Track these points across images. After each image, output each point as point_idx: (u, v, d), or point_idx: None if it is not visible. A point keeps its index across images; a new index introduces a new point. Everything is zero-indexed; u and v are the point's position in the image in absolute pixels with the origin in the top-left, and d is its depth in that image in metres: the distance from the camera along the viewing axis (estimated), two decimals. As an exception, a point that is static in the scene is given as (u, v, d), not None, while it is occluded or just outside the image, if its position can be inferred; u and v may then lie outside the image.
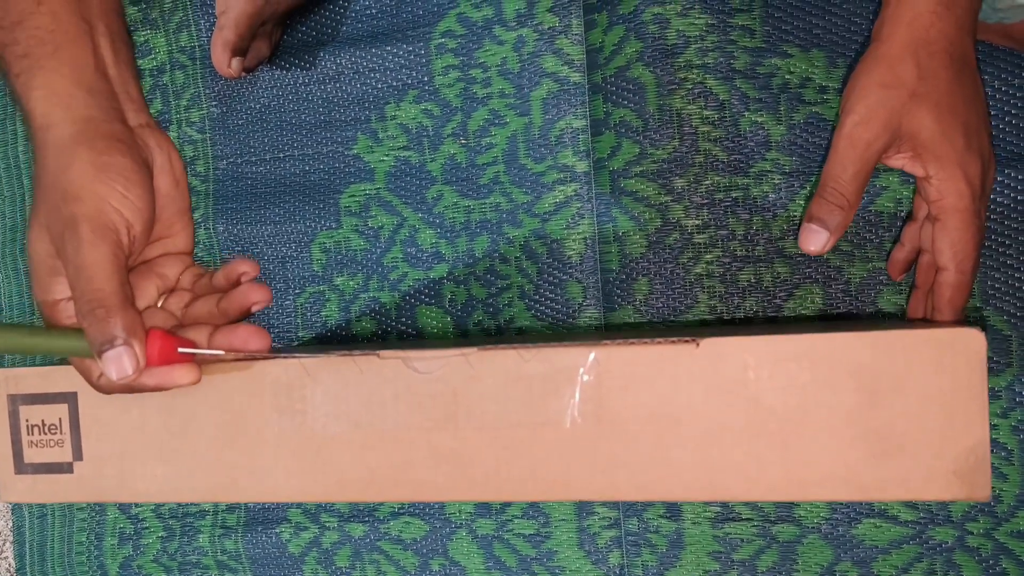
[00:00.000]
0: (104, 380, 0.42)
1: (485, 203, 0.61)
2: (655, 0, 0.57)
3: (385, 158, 0.63)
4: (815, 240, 0.46)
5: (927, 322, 0.49)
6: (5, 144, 0.73)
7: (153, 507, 0.69)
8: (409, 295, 0.63)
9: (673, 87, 0.57)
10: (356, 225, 0.64)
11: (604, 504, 0.59)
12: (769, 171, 0.56)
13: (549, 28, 0.59)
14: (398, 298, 0.63)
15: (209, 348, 0.42)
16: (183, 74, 0.68)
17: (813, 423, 0.39)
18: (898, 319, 0.54)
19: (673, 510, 0.58)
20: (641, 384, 0.40)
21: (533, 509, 0.61)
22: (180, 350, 0.41)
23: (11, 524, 0.74)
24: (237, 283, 0.45)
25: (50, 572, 0.72)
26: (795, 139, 0.56)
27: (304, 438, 0.44)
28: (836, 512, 0.56)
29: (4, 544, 0.75)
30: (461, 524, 0.62)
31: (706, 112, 0.57)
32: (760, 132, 0.56)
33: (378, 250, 0.64)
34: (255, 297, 0.44)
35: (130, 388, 0.41)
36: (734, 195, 0.56)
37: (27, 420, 0.49)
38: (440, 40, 0.62)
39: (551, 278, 0.60)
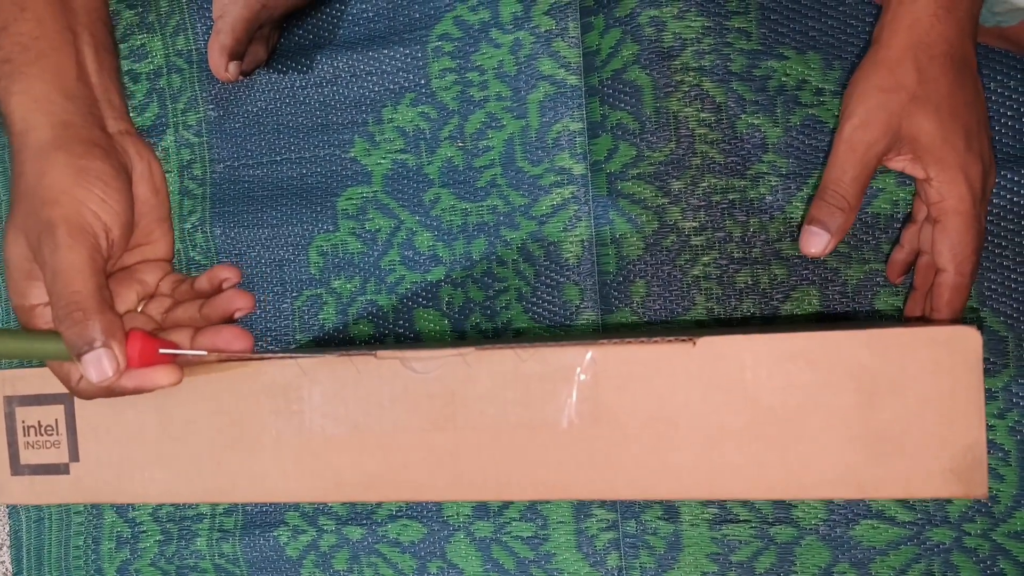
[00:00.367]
0: (84, 384, 0.42)
1: (482, 206, 0.61)
2: (651, 3, 0.57)
3: (382, 161, 0.63)
4: (816, 243, 0.46)
5: (923, 320, 0.49)
6: (2, 147, 0.73)
7: (150, 511, 0.69)
8: (406, 298, 0.63)
9: (670, 90, 0.57)
10: (353, 228, 0.64)
11: (602, 506, 0.59)
12: (766, 173, 0.56)
13: (546, 31, 0.59)
14: (395, 301, 0.63)
15: (191, 350, 0.42)
16: (180, 78, 0.68)
17: (810, 422, 0.39)
18: (895, 320, 0.54)
19: (671, 512, 0.58)
20: (638, 384, 0.40)
21: (531, 511, 0.61)
22: (161, 351, 0.41)
23: (8, 528, 0.74)
24: (219, 289, 0.45)
25: (46, 577, 0.72)
26: (791, 141, 0.56)
27: (301, 439, 0.44)
28: (834, 513, 0.56)
29: (1, 548, 0.75)
30: (459, 527, 0.62)
31: (703, 114, 0.57)
32: (757, 134, 0.56)
33: (375, 253, 0.64)
34: (239, 303, 0.44)
35: (110, 391, 0.41)
36: (731, 197, 0.57)
37: (23, 421, 0.49)
38: (437, 43, 0.62)
39: (548, 280, 0.60)
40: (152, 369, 0.41)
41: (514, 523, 0.61)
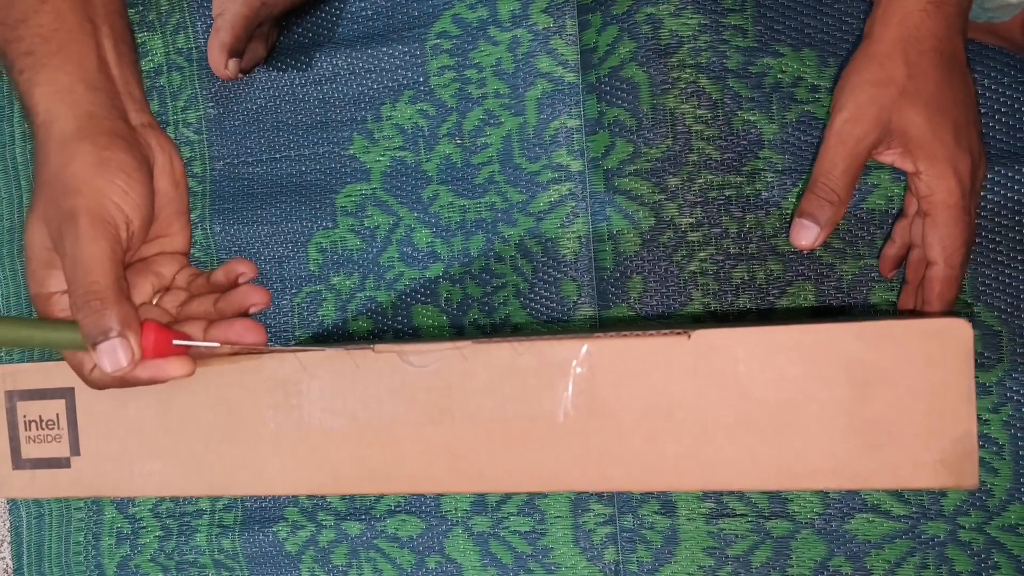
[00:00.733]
0: (97, 374, 0.42)
1: (480, 202, 0.62)
2: (648, 0, 0.57)
3: (381, 158, 0.64)
4: (806, 235, 0.46)
5: (916, 314, 0.49)
6: (3, 145, 0.74)
7: (150, 506, 0.70)
8: (405, 294, 0.63)
9: (666, 87, 0.57)
10: (352, 225, 0.64)
11: (599, 501, 0.60)
12: (762, 169, 0.57)
13: (543, 29, 0.60)
14: (394, 297, 0.64)
15: (205, 342, 0.42)
16: (180, 75, 0.69)
17: (803, 413, 0.39)
18: (889, 314, 0.55)
19: (668, 506, 0.58)
20: (633, 377, 0.41)
21: (529, 506, 0.61)
22: (175, 342, 0.41)
23: (8, 524, 0.74)
24: (235, 284, 0.46)
25: (48, 572, 0.72)
26: (787, 137, 0.56)
27: (300, 432, 0.45)
28: (829, 507, 0.56)
29: (1, 544, 0.75)
30: (457, 521, 0.62)
31: (699, 111, 0.57)
32: (753, 131, 0.57)
33: (374, 250, 0.64)
34: (254, 299, 0.44)
35: (123, 382, 0.41)
36: (727, 193, 0.57)
37: (24, 416, 0.49)
38: (435, 41, 0.62)
39: (546, 276, 0.60)
40: (165, 360, 0.41)
41: (512, 518, 0.61)
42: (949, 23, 0.45)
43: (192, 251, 0.68)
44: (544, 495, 0.61)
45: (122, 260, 0.41)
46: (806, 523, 0.56)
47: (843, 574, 0.56)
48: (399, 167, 0.63)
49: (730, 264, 0.57)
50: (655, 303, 0.58)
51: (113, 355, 0.39)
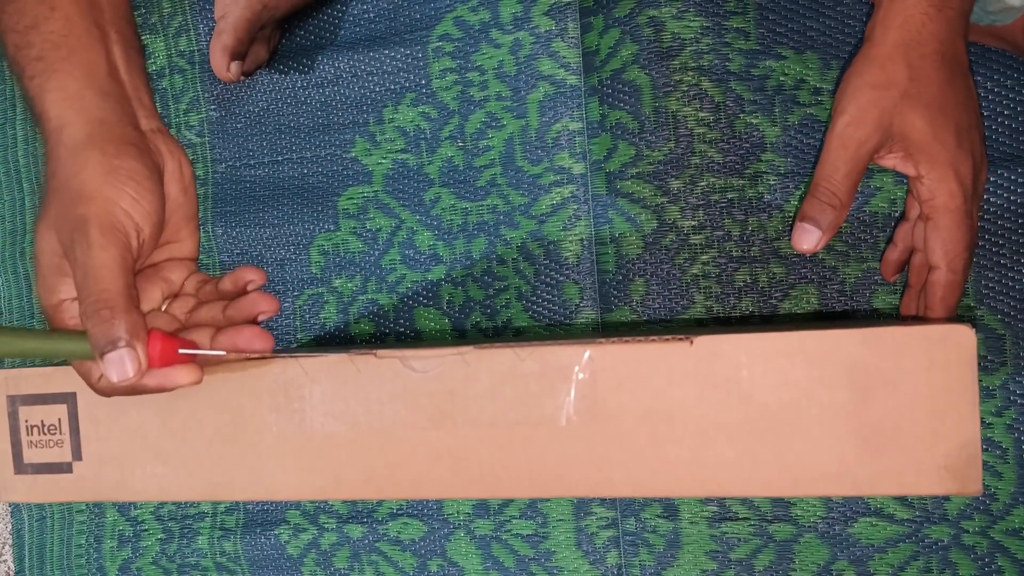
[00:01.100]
0: (104, 382, 0.42)
1: (482, 205, 0.62)
2: (650, 3, 0.57)
3: (383, 161, 0.64)
4: (808, 239, 0.46)
5: (919, 319, 0.49)
6: (5, 148, 0.74)
7: (152, 509, 0.70)
8: (407, 297, 0.63)
9: (669, 89, 0.57)
10: (354, 227, 0.64)
11: (602, 504, 0.59)
12: (764, 172, 0.56)
13: (545, 31, 0.60)
14: (396, 300, 0.64)
15: (212, 349, 0.42)
16: (182, 78, 0.69)
17: (806, 419, 0.39)
18: (892, 319, 0.55)
19: (670, 510, 0.58)
20: (636, 382, 0.41)
21: (531, 510, 0.61)
22: (181, 351, 0.41)
23: (10, 527, 0.74)
24: (243, 291, 0.46)
25: (49, 575, 0.73)
26: (790, 140, 0.56)
27: (302, 437, 0.45)
28: (832, 511, 0.56)
29: (3, 547, 0.75)
30: (459, 525, 0.62)
31: (701, 114, 0.57)
32: (755, 134, 0.56)
33: (376, 252, 0.64)
34: (263, 306, 0.44)
35: (131, 390, 0.41)
36: (730, 196, 0.57)
37: (26, 421, 0.49)
38: (437, 44, 0.62)
39: (548, 279, 0.60)
40: (173, 368, 0.41)
41: (514, 521, 0.61)
42: (951, 26, 0.45)
43: (194, 254, 0.68)
44: (547, 498, 0.60)
45: (132, 268, 0.40)
46: (809, 527, 0.56)
47: (846, 578, 0.56)
48: (401, 170, 0.63)
49: (732, 267, 0.57)
50: (657, 306, 0.58)
51: (120, 365, 0.39)
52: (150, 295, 0.45)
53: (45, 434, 0.49)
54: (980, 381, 0.53)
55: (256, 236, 0.67)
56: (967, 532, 0.54)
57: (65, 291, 0.41)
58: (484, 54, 0.61)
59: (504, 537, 0.62)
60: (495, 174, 0.61)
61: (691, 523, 0.58)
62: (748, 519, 0.57)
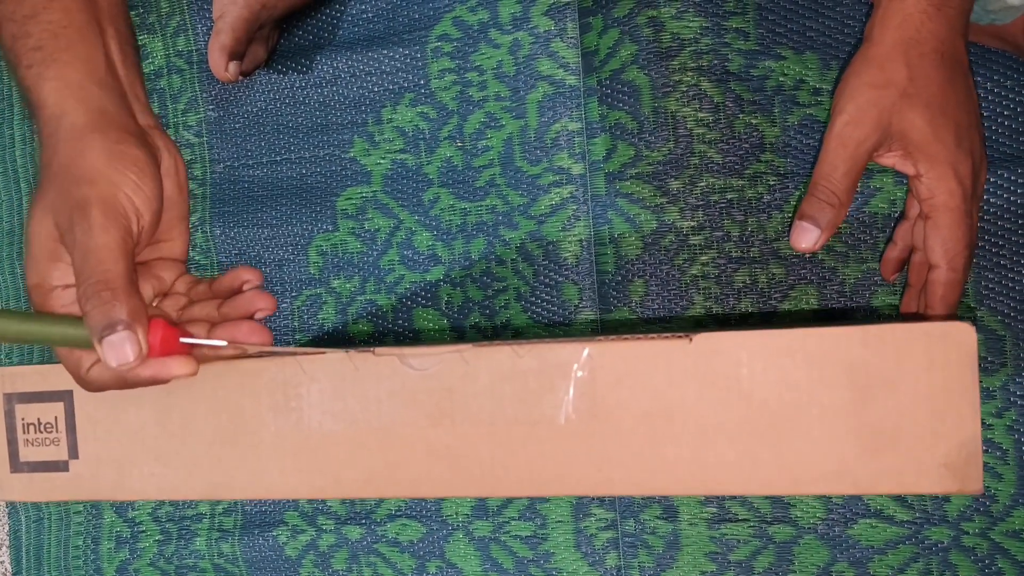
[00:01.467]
0: (95, 373, 0.41)
1: (481, 205, 0.61)
2: (650, 3, 0.57)
3: (381, 161, 0.64)
4: (806, 238, 0.46)
5: (919, 317, 0.49)
6: (2, 149, 0.74)
7: (150, 511, 0.69)
8: (406, 297, 0.63)
9: (668, 90, 0.57)
10: (353, 228, 0.64)
11: (601, 505, 0.59)
12: (764, 173, 0.56)
13: (544, 31, 0.60)
14: (395, 301, 0.63)
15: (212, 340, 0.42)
16: (180, 78, 0.69)
17: (806, 418, 0.39)
18: (892, 319, 0.55)
19: (670, 511, 0.58)
20: (635, 380, 0.40)
21: (530, 511, 0.61)
22: (182, 340, 0.40)
23: (7, 528, 0.74)
24: (239, 291, 0.45)
25: (46, 576, 0.72)
26: (789, 141, 0.56)
27: (300, 436, 0.44)
28: (832, 512, 0.56)
29: (0, 548, 0.75)
30: (458, 526, 0.62)
31: (701, 114, 0.57)
32: (755, 134, 0.56)
33: (375, 253, 0.64)
34: (260, 304, 0.44)
35: (123, 382, 0.41)
36: (729, 197, 0.57)
37: (23, 419, 0.49)
38: (436, 44, 0.62)
39: (547, 280, 0.60)
40: (169, 359, 0.40)
41: (513, 522, 0.61)
42: (950, 25, 0.45)
43: (192, 254, 0.68)
44: (545, 499, 0.60)
45: (133, 253, 0.40)
46: (809, 528, 0.56)
47: (846, 579, 0.56)
48: (400, 170, 0.63)
49: (732, 268, 0.57)
50: (656, 307, 0.58)
51: (120, 349, 0.38)
52: (142, 292, 0.44)
53: (41, 432, 0.49)
54: (980, 382, 0.53)
55: (254, 236, 0.66)
56: (967, 534, 0.54)
57: (57, 277, 0.40)
58: (483, 54, 0.61)
59: (503, 538, 0.61)
60: (494, 174, 0.61)
61: (690, 524, 0.58)
62: (747, 520, 0.57)
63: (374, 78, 0.64)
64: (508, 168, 0.61)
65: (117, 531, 0.70)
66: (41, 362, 0.71)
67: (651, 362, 0.40)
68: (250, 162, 0.67)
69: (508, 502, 0.61)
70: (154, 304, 0.45)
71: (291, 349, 0.45)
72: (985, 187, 0.53)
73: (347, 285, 0.65)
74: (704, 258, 0.57)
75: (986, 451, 0.54)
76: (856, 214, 0.55)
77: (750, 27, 0.57)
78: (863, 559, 0.55)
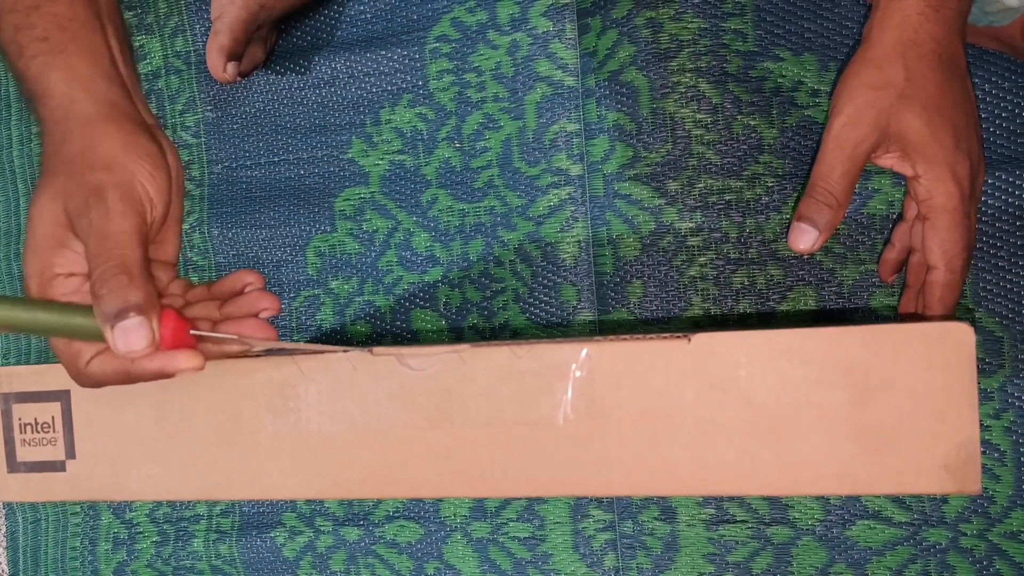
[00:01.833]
0: (94, 366, 0.40)
1: (479, 206, 0.61)
2: (648, 4, 0.57)
3: (380, 162, 0.64)
4: (804, 239, 0.46)
5: (917, 318, 0.49)
6: (0, 149, 0.74)
7: (147, 511, 0.69)
8: (404, 298, 0.63)
9: (666, 91, 0.57)
10: (351, 229, 0.64)
11: (599, 507, 0.59)
12: (762, 174, 0.56)
13: (543, 32, 0.60)
14: (393, 302, 0.63)
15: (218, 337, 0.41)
16: (178, 79, 0.68)
17: (804, 419, 0.39)
18: (890, 320, 0.55)
19: (668, 512, 0.58)
20: (633, 380, 0.40)
21: (528, 512, 0.61)
22: (193, 332, 0.40)
23: (5, 529, 0.74)
24: (240, 293, 0.45)
25: (43, 578, 0.72)
26: (788, 142, 0.56)
27: (298, 437, 0.44)
28: (830, 514, 0.56)
29: (-3, 550, 0.75)
30: (456, 527, 0.62)
31: (699, 115, 0.57)
32: (753, 135, 0.56)
33: (373, 254, 0.64)
34: (264, 303, 0.43)
35: (126, 375, 0.40)
36: (727, 198, 0.57)
37: (20, 418, 0.49)
38: (434, 44, 0.62)
39: (545, 281, 0.60)
40: (176, 352, 0.39)
41: (511, 524, 0.61)
42: (948, 26, 0.45)
43: (190, 255, 0.68)
44: (543, 501, 0.60)
45: (146, 245, 0.40)
46: (807, 529, 0.56)
47: (844, 581, 0.56)
48: (398, 171, 0.63)
49: (730, 269, 0.57)
50: (655, 308, 0.58)
51: (133, 335, 0.37)
52: None
53: (38, 432, 0.49)
54: (978, 383, 0.53)
55: (252, 237, 0.66)
56: (965, 535, 0.54)
57: (61, 264, 0.40)
58: (481, 55, 0.61)
59: (501, 540, 0.61)
60: (492, 175, 0.61)
61: (688, 526, 0.58)
62: (746, 522, 0.57)
63: (372, 79, 0.64)
64: (506, 169, 0.61)
65: (114, 532, 0.70)
66: (38, 362, 0.71)
67: (650, 363, 0.40)
68: (248, 163, 0.67)
69: (506, 503, 0.61)
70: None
71: (296, 345, 0.45)
72: (983, 188, 0.53)
73: (345, 286, 0.65)
74: (702, 259, 0.57)
75: (984, 452, 0.54)
76: (854, 215, 0.55)
77: (748, 28, 0.57)
78: (861, 560, 0.55)
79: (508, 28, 0.60)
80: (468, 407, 0.42)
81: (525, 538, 0.61)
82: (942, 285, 0.45)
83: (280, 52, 0.67)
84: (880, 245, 0.55)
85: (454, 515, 0.62)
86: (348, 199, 0.64)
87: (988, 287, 0.54)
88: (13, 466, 0.49)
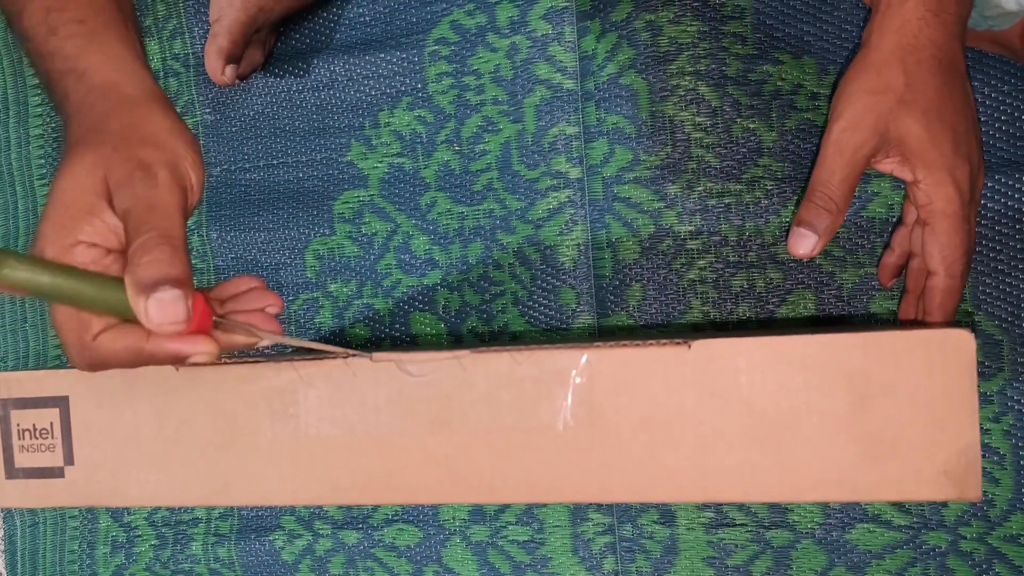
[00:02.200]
0: (104, 340, 0.38)
1: (479, 209, 0.61)
2: (647, 7, 0.57)
3: (379, 165, 0.64)
4: (804, 244, 0.46)
5: (917, 324, 0.49)
6: (-1, 151, 0.73)
7: (146, 515, 0.69)
8: (403, 302, 0.63)
9: (666, 94, 0.57)
10: (350, 232, 0.64)
11: (598, 510, 0.59)
12: (761, 177, 0.56)
13: (542, 35, 0.60)
14: (392, 305, 0.63)
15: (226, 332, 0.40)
16: (177, 81, 0.68)
17: (805, 425, 0.39)
18: (890, 324, 0.55)
19: (667, 516, 0.58)
20: (633, 386, 0.40)
21: (527, 515, 0.61)
22: (216, 318, 0.39)
23: (2, 532, 0.73)
24: (241, 295, 0.45)
25: (42, 581, 0.72)
26: (787, 145, 0.56)
27: (297, 442, 0.44)
28: (830, 517, 0.56)
29: (-5, 553, 0.74)
30: (455, 531, 0.62)
31: (698, 119, 0.57)
32: (752, 138, 0.56)
33: (372, 257, 0.64)
34: (269, 300, 0.43)
35: (136, 354, 0.38)
36: (727, 201, 0.57)
37: (18, 424, 0.49)
38: (434, 47, 0.62)
39: (545, 284, 0.60)
40: (197, 337, 0.39)
41: (510, 527, 0.61)
42: (948, 31, 0.45)
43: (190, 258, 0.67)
44: (543, 504, 0.60)
45: (186, 222, 0.39)
46: (806, 533, 0.56)
47: (843, 584, 0.56)
48: (397, 174, 0.63)
49: (729, 272, 0.57)
50: (654, 311, 0.58)
51: (170, 308, 0.36)
52: None
53: (37, 438, 0.48)
54: (977, 387, 0.53)
55: (251, 240, 0.66)
56: (965, 538, 0.54)
57: (87, 233, 0.38)
58: (480, 58, 0.61)
59: (500, 543, 0.61)
60: (491, 178, 0.61)
61: (688, 529, 0.58)
62: (745, 525, 0.57)
63: (371, 82, 0.63)
64: (505, 172, 0.61)
65: (113, 536, 0.70)
66: (36, 367, 0.71)
67: (650, 369, 0.40)
68: (247, 166, 0.67)
69: (505, 507, 0.61)
70: None
71: (302, 341, 0.44)
72: (982, 192, 0.53)
73: (344, 289, 0.64)
74: (702, 262, 0.57)
75: (983, 456, 0.54)
76: (853, 218, 0.55)
77: (748, 32, 0.57)
78: (861, 564, 0.55)
79: (507, 31, 0.60)
80: (468, 413, 0.42)
81: (524, 541, 0.61)
82: (942, 291, 0.45)
83: (279, 55, 0.67)
84: (879, 248, 0.55)
85: (453, 518, 0.62)
86: (347, 202, 0.64)
87: (987, 290, 0.54)
88: (11, 472, 0.49)
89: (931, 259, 0.45)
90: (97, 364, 0.39)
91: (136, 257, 0.37)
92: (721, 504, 0.57)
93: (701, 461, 0.40)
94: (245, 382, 0.45)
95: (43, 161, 0.72)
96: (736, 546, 0.57)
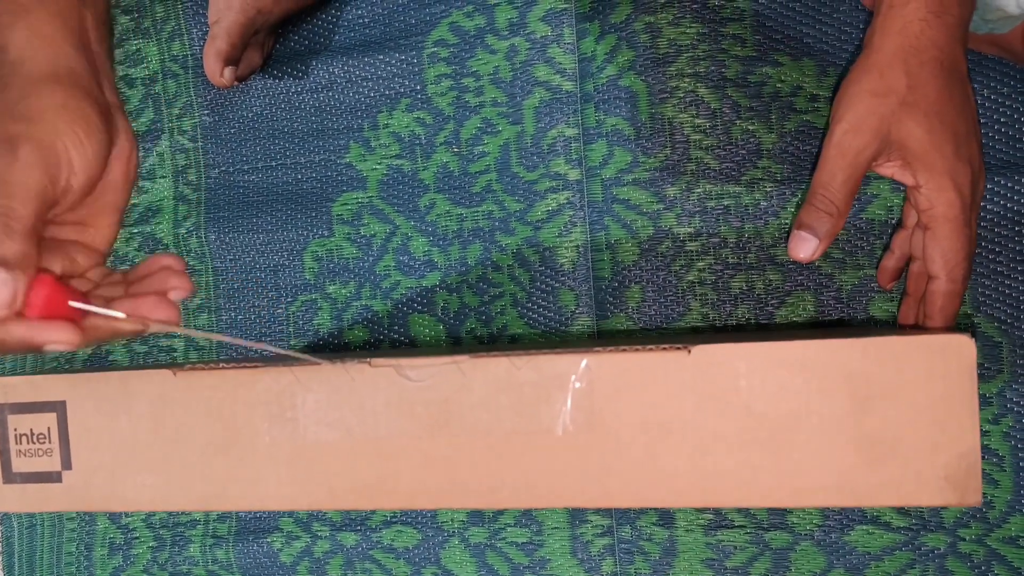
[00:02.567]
0: None
1: (478, 211, 0.61)
2: (647, 9, 0.57)
3: (377, 166, 0.63)
4: (805, 247, 0.46)
5: (918, 328, 0.49)
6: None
7: (143, 517, 0.69)
8: (402, 303, 0.63)
9: (665, 96, 0.57)
10: (348, 233, 0.64)
11: (597, 512, 0.59)
12: (761, 179, 0.56)
13: (541, 37, 0.59)
14: (390, 306, 0.63)
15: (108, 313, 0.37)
16: (175, 83, 0.68)
17: (805, 429, 0.39)
18: (890, 326, 0.54)
19: (666, 518, 0.58)
20: (633, 391, 0.40)
21: (526, 517, 0.61)
22: (72, 304, 0.36)
23: (0, 535, 0.73)
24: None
25: (40, 583, 0.72)
26: (786, 147, 0.56)
27: (295, 446, 0.44)
28: (828, 519, 0.56)
29: (-7, 555, 0.74)
30: (454, 532, 0.62)
31: (698, 120, 0.57)
32: (751, 140, 0.56)
33: (370, 258, 0.64)
34: (173, 282, 0.40)
35: None
36: (726, 203, 0.57)
37: (15, 429, 0.48)
38: (433, 49, 0.62)
39: (544, 286, 0.60)
40: (50, 323, 0.36)
41: (509, 529, 0.61)
42: (950, 33, 0.44)
43: (187, 259, 0.67)
44: (541, 508, 0.60)
45: (47, 206, 0.37)
46: (805, 535, 0.56)
47: (842, 587, 0.56)
48: (396, 175, 0.63)
49: (729, 274, 0.57)
50: (653, 313, 0.58)
51: None
52: (48, 265, 0.40)
53: (34, 443, 0.48)
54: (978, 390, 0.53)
55: (249, 242, 0.66)
56: (964, 540, 0.54)
57: None
58: (480, 60, 0.61)
59: (499, 545, 0.61)
60: (490, 180, 0.61)
61: (687, 531, 0.58)
62: (744, 527, 0.57)
63: (370, 83, 0.63)
64: (505, 174, 0.61)
65: (110, 538, 0.70)
66: (34, 372, 0.71)
67: (649, 373, 0.40)
68: (245, 167, 0.66)
69: (503, 509, 0.61)
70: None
71: (284, 351, 0.44)
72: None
73: (343, 291, 0.64)
74: (701, 264, 0.57)
75: (983, 458, 0.54)
76: (853, 220, 0.55)
77: (747, 33, 0.56)
78: (859, 565, 0.55)
79: (506, 33, 0.60)
80: (466, 417, 0.42)
81: (523, 543, 0.61)
82: (943, 295, 0.45)
83: (277, 56, 0.67)
84: (879, 250, 0.55)
85: (451, 520, 0.62)
86: (346, 203, 0.64)
87: (987, 292, 0.54)
88: (9, 477, 0.49)
89: (932, 263, 0.45)
90: None
91: None
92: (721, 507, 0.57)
93: (700, 465, 0.40)
94: (243, 386, 0.45)
95: None
96: (735, 548, 0.57)
